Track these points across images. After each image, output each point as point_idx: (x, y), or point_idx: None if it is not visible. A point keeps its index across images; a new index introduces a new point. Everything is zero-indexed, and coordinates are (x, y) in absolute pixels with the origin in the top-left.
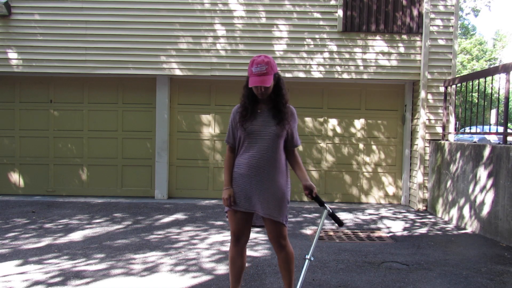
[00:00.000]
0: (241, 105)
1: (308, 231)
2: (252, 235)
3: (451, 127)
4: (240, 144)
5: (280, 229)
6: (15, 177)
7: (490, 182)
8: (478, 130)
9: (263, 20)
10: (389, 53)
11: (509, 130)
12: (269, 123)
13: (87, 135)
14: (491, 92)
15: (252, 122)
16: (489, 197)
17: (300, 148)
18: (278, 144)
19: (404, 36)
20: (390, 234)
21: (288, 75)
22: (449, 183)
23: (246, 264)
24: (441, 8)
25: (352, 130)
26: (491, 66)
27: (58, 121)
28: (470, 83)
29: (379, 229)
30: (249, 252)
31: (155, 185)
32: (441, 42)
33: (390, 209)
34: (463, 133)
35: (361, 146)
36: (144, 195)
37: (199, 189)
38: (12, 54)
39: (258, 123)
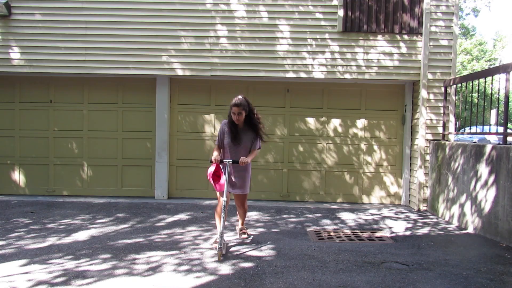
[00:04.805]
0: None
1: (309, 231)
2: (254, 235)
3: (451, 127)
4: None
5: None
6: (15, 177)
7: (490, 182)
8: (478, 130)
9: (265, 20)
10: (390, 53)
11: (509, 130)
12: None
13: (87, 135)
14: (491, 92)
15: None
16: (489, 197)
17: (301, 148)
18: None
19: (405, 36)
20: (390, 234)
21: (289, 75)
22: (449, 183)
23: (247, 264)
24: (442, 8)
25: (353, 130)
26: (491, 66)
27: (58, 121)
28: (470, 83)
29: (380, 229)
30: (249, 252)
31: (155, 185)
32: (441, 42)
33: (392, 209)
34: (463, 133)
35: (361, 146)
36: (144, 195)
37: (199, 189)
38: (12, 54)
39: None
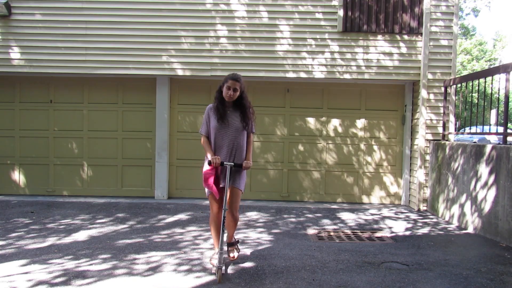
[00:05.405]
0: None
1: (309, 231)
2: (254, 235)
3: (451, 127)
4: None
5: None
6: (15, 177)
7: (490, 182)
8: (478, 130)
9: (265, 20)
10: (390, 53)
11: (509, 130)
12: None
13: (87, 135)
14: (491, 92)
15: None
16: (489, 197)
17: (301, 148)
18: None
19: (405, 36)
20: (390, 234)
21: (289, 75)
22: (449, 183)
23: (247, 264)
24: (442, 8)
25: (353, 130)
26: (491, 66)
27: (58, 121)
28: (470, 83)
29: (380, 229)
30: (249, 252)
31: (155, 185)
32: (441, 42)
33: (392, 209)
34: (463, 133)
35: (361, 146)
36: (144, 195)
37: (199, 189)
38: (12, 54)
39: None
